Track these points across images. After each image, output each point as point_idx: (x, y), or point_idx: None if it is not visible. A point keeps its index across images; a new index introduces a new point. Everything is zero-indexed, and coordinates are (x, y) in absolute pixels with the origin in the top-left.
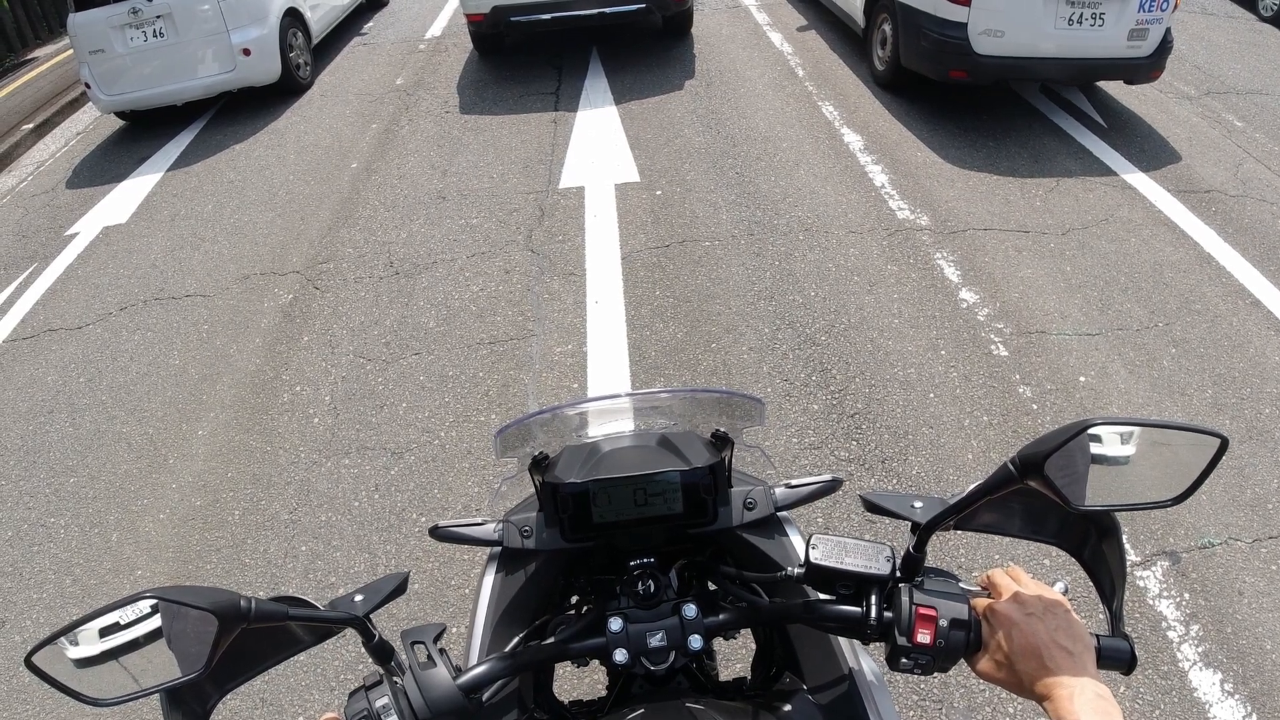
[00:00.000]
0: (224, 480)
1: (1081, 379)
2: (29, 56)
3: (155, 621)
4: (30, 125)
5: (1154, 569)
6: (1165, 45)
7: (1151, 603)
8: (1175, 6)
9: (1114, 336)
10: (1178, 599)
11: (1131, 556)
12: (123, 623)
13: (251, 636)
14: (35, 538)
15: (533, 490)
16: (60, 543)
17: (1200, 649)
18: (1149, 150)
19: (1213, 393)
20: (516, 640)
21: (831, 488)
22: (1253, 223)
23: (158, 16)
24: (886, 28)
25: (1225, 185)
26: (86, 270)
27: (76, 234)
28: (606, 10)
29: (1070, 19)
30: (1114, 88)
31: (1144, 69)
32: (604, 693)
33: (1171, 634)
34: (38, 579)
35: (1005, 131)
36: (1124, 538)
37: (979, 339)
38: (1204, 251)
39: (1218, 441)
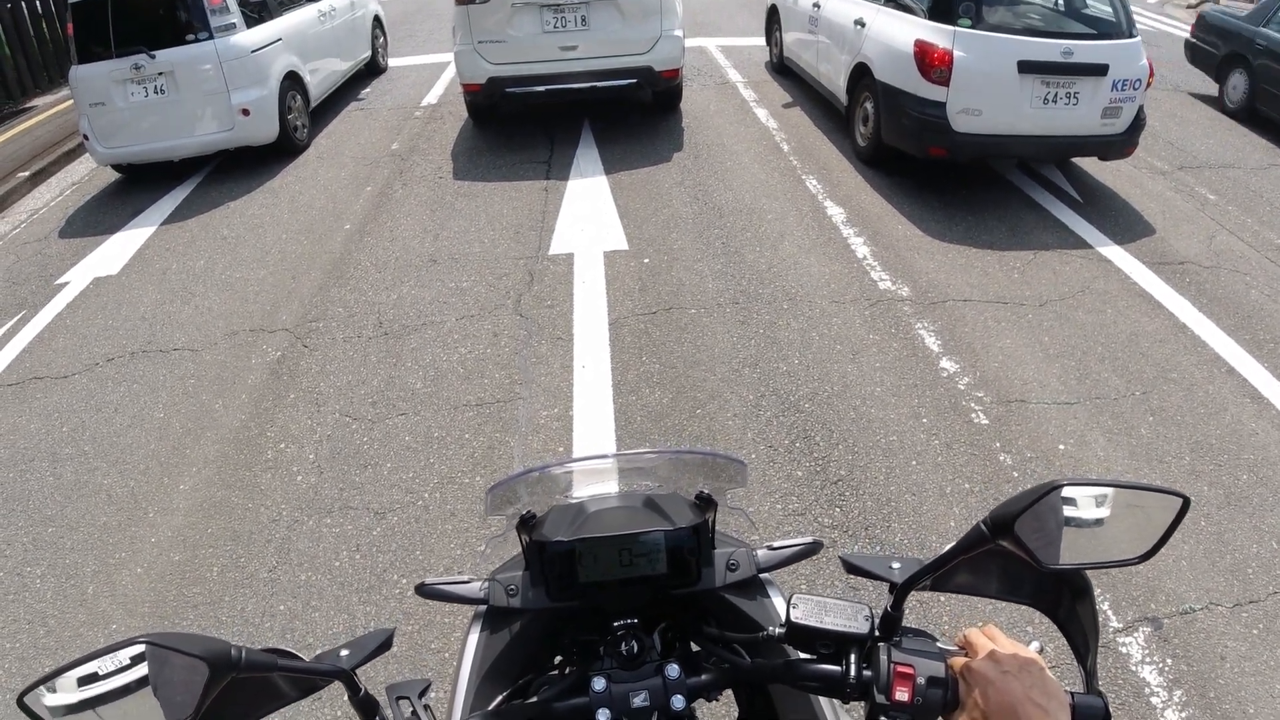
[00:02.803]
0: (204, 535)
1: (1061, 447)
2: (28, 105)
3: (137, 672)
4: (26, 173)
5: (1136, 635)
6: (1138, 123)
7: (1135, 669)
8: (1147, 86)
9: (1092, 405)
10: (1160, 665)
11: (1114, 623)
12: (101, 673)
13: (236, 689)
14: (10, 587)
15: (518, 550)
16: (35, 593)
17: (1184, 714)
18: (1124, 224)
19: (1190, 460)
20: (500, 699)
21: (812, 550)
22: (1226, 293)
23: (160, 74)
24: (869, 105)
25: (1199, 257)
26: (75, 320)
27: (67, 283)
28: (599, 84)
29: (1046, 98)
30: (1089, 163)
31: (1118, 146)
32: None
33: (1155, 700)
34: (11, 629)
35: (983, 206)
36: (1097, 599)
37: (960, 407)
38: (1179, 321)
39: (1180, 501)
